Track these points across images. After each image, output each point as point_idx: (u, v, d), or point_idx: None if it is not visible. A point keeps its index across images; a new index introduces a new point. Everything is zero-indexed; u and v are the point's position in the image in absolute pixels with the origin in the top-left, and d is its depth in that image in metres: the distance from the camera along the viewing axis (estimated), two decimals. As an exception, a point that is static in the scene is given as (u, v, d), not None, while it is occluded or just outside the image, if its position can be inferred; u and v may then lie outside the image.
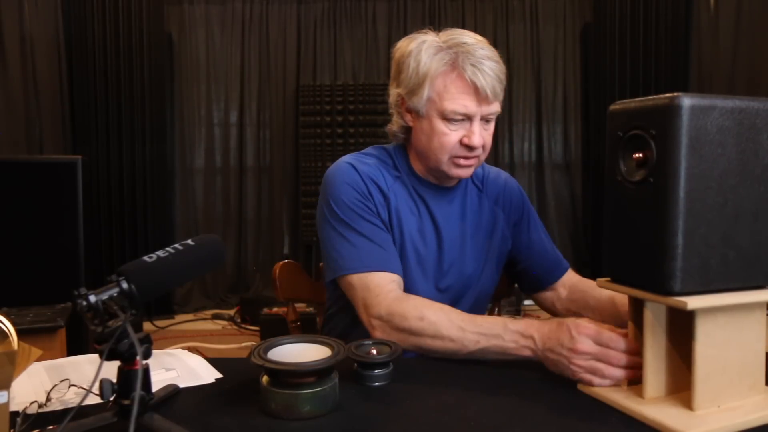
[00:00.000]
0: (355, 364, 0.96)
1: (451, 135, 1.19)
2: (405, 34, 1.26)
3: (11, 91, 4.15)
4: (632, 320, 0.92)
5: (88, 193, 2.76)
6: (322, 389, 0.83)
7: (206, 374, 1.00)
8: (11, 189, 2.60)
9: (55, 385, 0.90)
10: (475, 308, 1.33)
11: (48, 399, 0.87)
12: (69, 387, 0.91)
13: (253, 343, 3.48)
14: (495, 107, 1.19)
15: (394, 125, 1.31)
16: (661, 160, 0.79)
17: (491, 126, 1.23)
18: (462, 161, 1.21)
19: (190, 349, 1.18)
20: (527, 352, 1.01)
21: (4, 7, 4.09)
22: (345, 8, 4.68)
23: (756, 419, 0.82)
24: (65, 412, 0.82)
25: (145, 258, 0.79)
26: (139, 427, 0.74)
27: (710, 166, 0.80)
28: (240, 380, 0.97)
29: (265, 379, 0.85)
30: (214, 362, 1.06)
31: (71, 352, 1.69)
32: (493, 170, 1.43)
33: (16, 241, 2.57)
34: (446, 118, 1.18)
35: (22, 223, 2.59)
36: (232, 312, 4.36)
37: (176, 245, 0.84)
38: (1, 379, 0.71)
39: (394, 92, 1.27)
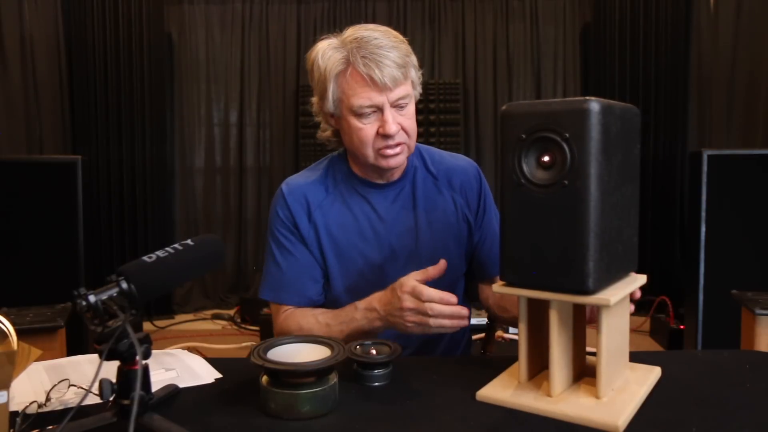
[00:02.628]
0: (355, 364, 0.96)
1: (367, 128, 1.21)
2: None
3: (11, 91, 4.14)
4: (526, 321, 0.91)
5: (88, 193, 2.76)
6: (321, 389, 0.83)
7: (206, 374, 1.00)
8: (11, 189, 2.60)
9: (55, 385, 0.90)
10: None
11: (48, 399, 0.87)
12: (69, 387, 0.91)
13: (253, 343, 3.48)
14: (401, 91, 1.19)
15: (325, 132, 1.34)
16: (577, 163, 0.80)
17: (408, 110, 1.23)
18: (387, 151, 1.22)
19: (190, 349, 1.18)
20: (378, 323, 1.11)
21: (4, 7, 4.09)
22: (345, 8, 4.68)
23: (644, 392, 0.88)
24: (65, 412, 0.82)
25: (145, 258, 0.79)
26: (139, 427, 0.74)
27: (610, 167, 0.83)
28: (240, 380, 0.97)
29: (264, 379, 0.85)
30: (214, 362, 1.06)
31: (71, 352, 1.69)
32: (452, 156, 1.42)
33: (16, 241, 2.57)
34: (356, 113, 1.20)
35: (22, 223, 2.59)
36: (232, 312, 4.35)
37: (176, 245, 0.84)
38: (0, 379, 0.71)
39: (314, 100, 1.30)
